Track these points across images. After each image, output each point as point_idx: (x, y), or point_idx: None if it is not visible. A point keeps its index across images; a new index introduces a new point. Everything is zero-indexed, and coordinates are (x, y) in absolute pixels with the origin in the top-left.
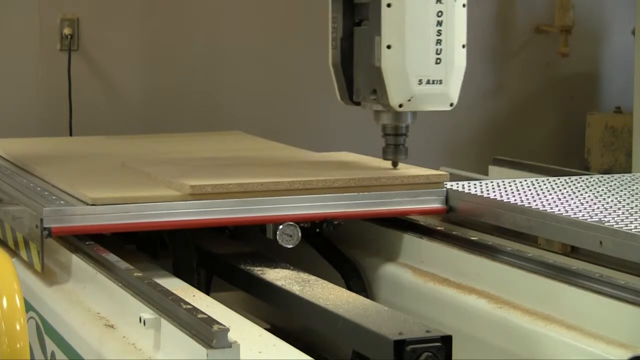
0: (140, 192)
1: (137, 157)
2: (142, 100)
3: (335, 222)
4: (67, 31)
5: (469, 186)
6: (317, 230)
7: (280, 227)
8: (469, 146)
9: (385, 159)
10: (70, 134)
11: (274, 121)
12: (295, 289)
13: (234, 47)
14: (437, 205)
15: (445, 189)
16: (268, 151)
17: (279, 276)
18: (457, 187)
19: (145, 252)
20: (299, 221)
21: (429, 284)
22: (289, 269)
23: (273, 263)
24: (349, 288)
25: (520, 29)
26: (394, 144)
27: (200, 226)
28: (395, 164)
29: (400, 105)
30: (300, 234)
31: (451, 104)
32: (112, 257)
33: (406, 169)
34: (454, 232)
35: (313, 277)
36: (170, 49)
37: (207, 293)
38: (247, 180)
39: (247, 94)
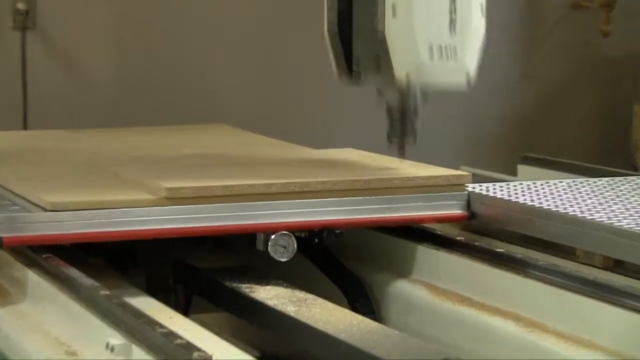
0: (107, 195)
1: (104, 155)
2: (111, 88)
3: (337, 231)
4: (21, 6)
5: (495, 189)
6: (316, 240)
7: (273, 237)
8: (493, 141)
9: (390, 141)
10: (25, 127)
11: (264, 113)
12: (290, 309)
13: (219, 26)
14: (457, 211)
15: (466, 192)
16: (258, 148)
17: (271, 294)
18: (481, 189)
19: (113, 266)
20: (294, 230)
21: (446, 304)
22: (282, 286)
23: (264, 279)
24: (354, 309)
25: (554, 4)
26: (401, 122)
27: (178, 236)
28: (402, 148)
29: (407, 76)
30: (295, 245)
31: (467, 77)
32: (74, 273)
33: (421, 168)
34: (476, 243)
35: (311, 296)
36: (143, 27)
37: (186, 314)
38: (234, 182)
39: (234, 81)
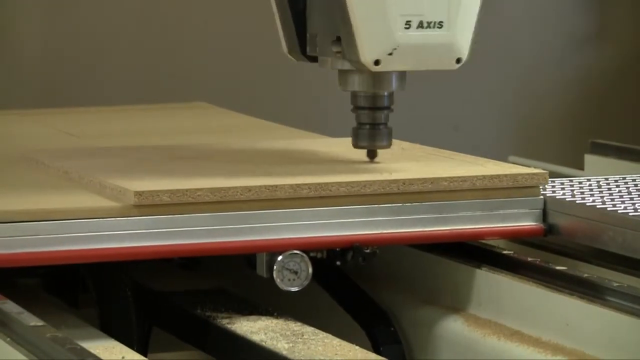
0: (53, 202)
1: (46, 145)
2: (50, 55)
3: (367, 250)
4: None
5: (580, 191)
6: (338, 263)
7: (279, 258)
8: (549, 123)
9: (356, 145)
10: None
11: (252, 88)
12: (282, 346)
13: None
14: (529, 223)
15: (542, 197)
16: (252, 134)
17: (257, 326)
18: (560, 191)
19: (51, 290)
20: (308, 249)
21: (490, 339)
22: (271, 315)
23: (247, 306)
24: (377, 350)
25: None
26: (370, 123)
27: (151, 257)
28: (372, 155)
29: (377, 63)
30: (310, 270)
31: (458, 60)
32: (10, 306)
33: (479, 165)
34: (529, 259)
35: (309, 329)
36: None
37: (145, 353)
38: (226, 184)
39: (213, 48)
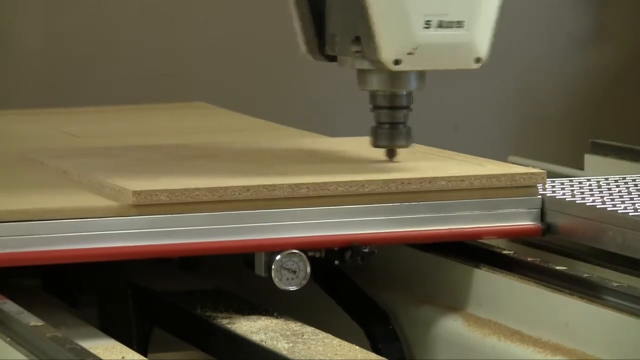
0: (51, 201)
1: (46, 145)
2: (47, 54)
3: (366, 250)
4: None
5: (578, 190)
6: (336, 262)
7: (278, 257)
8: (549, 123)
9: (375, 145)
10: None
11: (252, 88)
12: (282, 346)
13: None
14: (527, 222)
15: (540, 196)
16: (251, 134)
17: (257, 326)
18: (560, 191)
19: (51, 290)
20: (306, 248)
21: (490, 339)
22: (271, 315)
23: (247, 306)
24: (376, 349)
25: None
26: (390, 123)
27: (149, 256)
28: (391, 154)
29: (397, 62)
30: (309, 270)
31: (477, 60)
32: (10, 306)
33: (477, 165)
34: (529, 259)
35: (309, 329)
36: None
37: (145, 353)
38: (224, 183)
39: (213, 48)
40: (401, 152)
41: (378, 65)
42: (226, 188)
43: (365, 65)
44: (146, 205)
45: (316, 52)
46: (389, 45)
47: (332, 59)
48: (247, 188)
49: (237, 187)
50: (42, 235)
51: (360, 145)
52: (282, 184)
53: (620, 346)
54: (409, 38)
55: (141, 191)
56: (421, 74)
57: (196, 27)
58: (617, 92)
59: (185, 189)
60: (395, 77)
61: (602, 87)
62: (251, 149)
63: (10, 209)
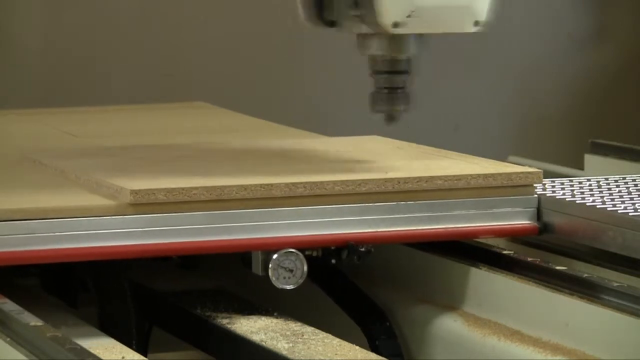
0: (50, 200)
1: (46, 145)
2: (48, 55)
3: (362, 249)
4: None
5: (576, 190)
6: (333, 261)
7: (275, 256)
8: (549, 123)
9: (374, 110)
10: None
11: (252, 88)
12: (282, 346)
13: None
14: (523, 221)
15: (536, 195)
16: (250, 134)
17: (257, 326)
18: (560, 191)
19: (53, 291)
20: (303, 247)
21: (490, 339)
22: (271, 315)
23: (247, 306)
24: (374, 348)
25: None
26: (389, 87)
27: (146, 255)
28: (390, 119)
29: (396, 25)
30: (305, 268)
31: (476, 23)
32: (10, 306)
33: (474, 164)
34: (529, 259)
35: (309, 329)
36: None
37: (145, 353)
38: (221, 183)
39: (213, 48)
40: (397, 152)
41: (377, 29)
42: (223, 187)
43: (364, 29)
44: (144, 204)
45: (315, 18)
46: (388, 8)
47: (331, 24)
48: (245, 187)
49: (234, 186)
50: (41, 234)
51: (358, 145)
52: (279, 183)
53: (620, 346)
54: (408, 1)
55: (139, 190)
56: (421, 39)
57: (196, 27)
58: (617, 92)
59: (183, 188)
60: (395, 41)
61: (602, 87)
62: (249, 148)
63: (9, 208)
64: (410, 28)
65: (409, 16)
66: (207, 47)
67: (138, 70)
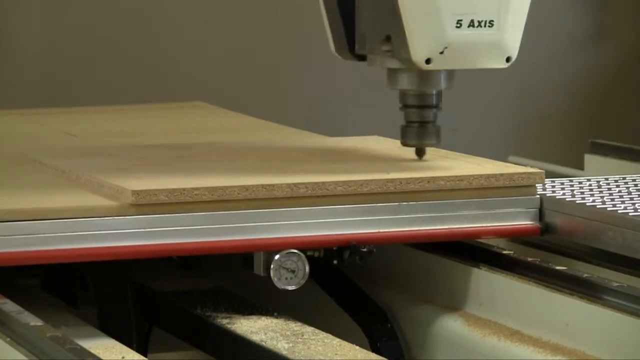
0: (50, 201)
1: (46, 145)
2: (48, 55)
3: (364, 249)
4: None
5: (577, 190)
6: (335, 262)
7: (277, 257)
8: (549, 124)
9: (404, 143)
10: None
11: (252, 88)
12: (282, 346)
13: None
14: (525, 222)
15: (538, 196)
16: (251, 134)
17: (257, 326)
18: (560, 191)
19: (53, 291)
20: (305, 248)
21: (490, 339)
22: (271, 315)
23: (247, 306)
24: (375, 348)
25: None
26: (419, 122)
27: (148, 256)
28: (420, 153)
29: (429, 61)
30: (307, 269)
31: (508, 59)
32: (10, 306)
33: (475, 164)
34: (529, 259)
35: (309, 329)
36: None
37: (145, 352)
38: (223, 183)
39: (213, 48)
40: (399, 152)
41: (409, 65)
42: (225, 188)
43: (395, 64)
44: (145, 204)
45: (345, 52)
46: (421, 45)
47: (362, 58)
48: (246, 188)
49: (236, 186)
50: (42, 235)
51: (358, 145)
52: (281, 184)
53: (620, 346)
54: (441, 37)
55: (140, 191)
56: (450, 73)
57: (196, 27)
58: (617, 92)
59: (185, 189)
60: (425, 76)
61: (602, 87)
62: (250, 148)
63: (10, 209)
64: (443, 64)
65: (441, 52)
66: (207, 47)
67: (138, 70)
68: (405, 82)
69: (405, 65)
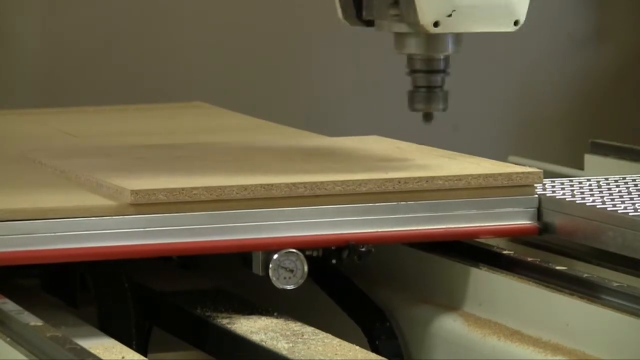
0: (50, 200)
1: (45, 145)
2: (47, 54)
3: (363, 249)
4: None
5: (576, 190)
6: (333, 261)
7: (275, 256)
8: (549, 123)
9: (412, 108)
10: None
11: (252, 88)
12: (282, 346)
13: None
14: (523, 221)
15: (536, 195)
16: (250, 134)
17: (257, 326)
18: (560, 191)
19: (53, 291)
20: (304, 247)
21: (490, 339)
22: (271, 315)
23: (247, 306)
24: (374, 348)
25: None
26: (427, 86)
27: (147, 255)
28: (428, 117)
29: (436, 24)
30: (306, 269)
31: (516, 22)
32: (10, 306)
33: (474, 164)
34: (529, 258)
35: (309, 329)
36: None
37: (145, 352)
38: (222, 183)
39: (213, 47)
40: (399, 152)
41: (417, 28)
42: (224, 187)
43: (403, 28)
44: (144, 204)
45: (353, 17)
46: (429, 8)
47: (369, 23)
48: (245, 187)
49: (234, 186)
50: (41, 234)
51: (358, 145)
52: (280, 183)
53: (620, 346)
54: (449, 3)
55: (139, 190)
56: (458, 38)
57: (196, 27)
58: (617, 92)
59: (183, 188)
60: (433, 40)
61: (602, 87)
62: (249, 148)
63: (9, 208)
64: (450, 27)
65: (449, 15)
66: (207, 47)
67: (138, 70)
68: (413, 46)
69: (413, 29)
